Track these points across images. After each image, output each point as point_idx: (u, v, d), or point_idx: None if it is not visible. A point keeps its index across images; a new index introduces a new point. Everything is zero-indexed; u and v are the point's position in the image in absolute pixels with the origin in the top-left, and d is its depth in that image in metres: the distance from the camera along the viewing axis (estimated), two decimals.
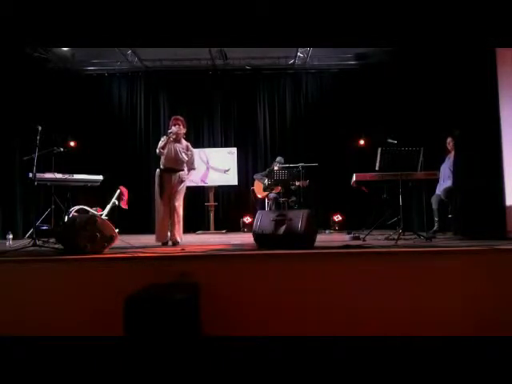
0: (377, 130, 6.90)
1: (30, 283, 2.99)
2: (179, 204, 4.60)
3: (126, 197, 6.71)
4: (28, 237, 5.63)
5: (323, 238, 5.13)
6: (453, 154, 5.89)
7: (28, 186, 6.16)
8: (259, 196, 7.64)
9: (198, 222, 7.99)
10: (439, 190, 5.83)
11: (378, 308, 2.89)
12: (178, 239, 4.51)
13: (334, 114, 8.20)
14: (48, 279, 3.00)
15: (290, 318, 2.90)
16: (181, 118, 4.78)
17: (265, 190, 7.50)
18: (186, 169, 4.73)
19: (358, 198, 7.09)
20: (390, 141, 4.99)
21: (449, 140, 5.96)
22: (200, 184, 8.05)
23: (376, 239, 4.49)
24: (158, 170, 4.69)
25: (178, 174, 4.62)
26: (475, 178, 4.42)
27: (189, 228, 6.46)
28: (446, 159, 5.93)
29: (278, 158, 7.45)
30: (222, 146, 8.48)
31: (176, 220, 4.54)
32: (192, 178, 5.30)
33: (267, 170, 7.56)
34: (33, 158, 4.58)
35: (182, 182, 4.62)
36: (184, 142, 4.77)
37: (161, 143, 4.64)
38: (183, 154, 4.67)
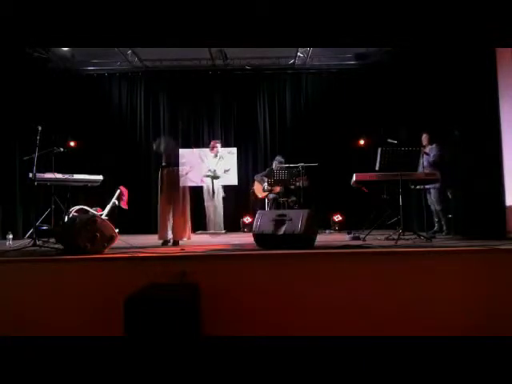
0: (377, 130, 6.90)
1: (30, 283, 2.99)
2: (181, 203, 4.57)
3: (126, 197, 6.70)
4: (28, 237, 5.64)
5: (323, 238, 5.13)
6: (427, 149, 5.60)
7: (28, 186, 6.15)
8: (259, 196, 7.63)
9: (197, 222, 7.98)
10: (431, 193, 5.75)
11: (378, 308, 2.89)
12: (178, 239, 4.51)
13: (334, 113, 8.18)
14: (48, 279, 3.00)
15: (290, 317, 2.90)
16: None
17: (265, 190, 7.50)
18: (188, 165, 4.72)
19: (358, 198, 7.08)
20: (389, 141, 4.99)
21: (424, 136, 5.73)
22: (200, 184, 8.02)
23: (376, 239, 4.48)
24: (160, 168, 4.72)
25: (176, 168, 4.62)
26: (475, 178, 4.43)
27: None
28: (421, 158, 5.35)
29: (278, 157, 7.45)
30: (222, 146, 8.46)
31: (182, 219, 4.53)
32: (192, 177, 5.26)
33: (267, 169, 7.56)
34: (33, 158, 4.58)
35: (180, 176, 4.60)
36: None
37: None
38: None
